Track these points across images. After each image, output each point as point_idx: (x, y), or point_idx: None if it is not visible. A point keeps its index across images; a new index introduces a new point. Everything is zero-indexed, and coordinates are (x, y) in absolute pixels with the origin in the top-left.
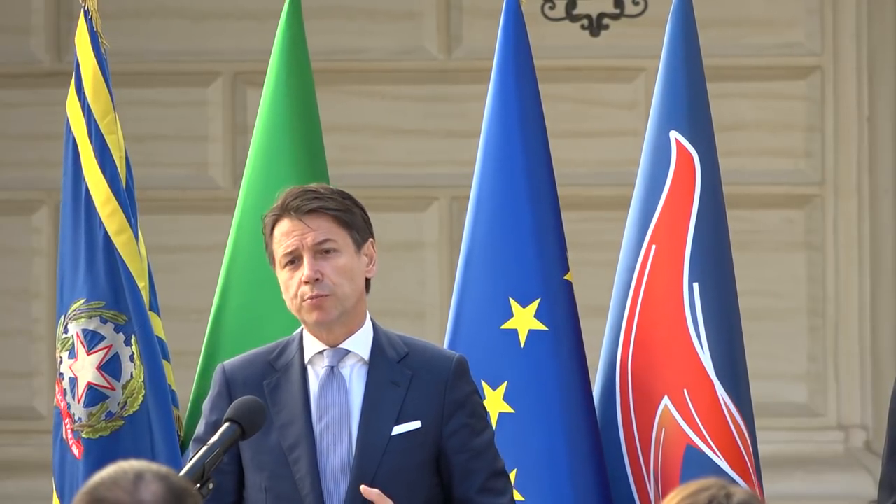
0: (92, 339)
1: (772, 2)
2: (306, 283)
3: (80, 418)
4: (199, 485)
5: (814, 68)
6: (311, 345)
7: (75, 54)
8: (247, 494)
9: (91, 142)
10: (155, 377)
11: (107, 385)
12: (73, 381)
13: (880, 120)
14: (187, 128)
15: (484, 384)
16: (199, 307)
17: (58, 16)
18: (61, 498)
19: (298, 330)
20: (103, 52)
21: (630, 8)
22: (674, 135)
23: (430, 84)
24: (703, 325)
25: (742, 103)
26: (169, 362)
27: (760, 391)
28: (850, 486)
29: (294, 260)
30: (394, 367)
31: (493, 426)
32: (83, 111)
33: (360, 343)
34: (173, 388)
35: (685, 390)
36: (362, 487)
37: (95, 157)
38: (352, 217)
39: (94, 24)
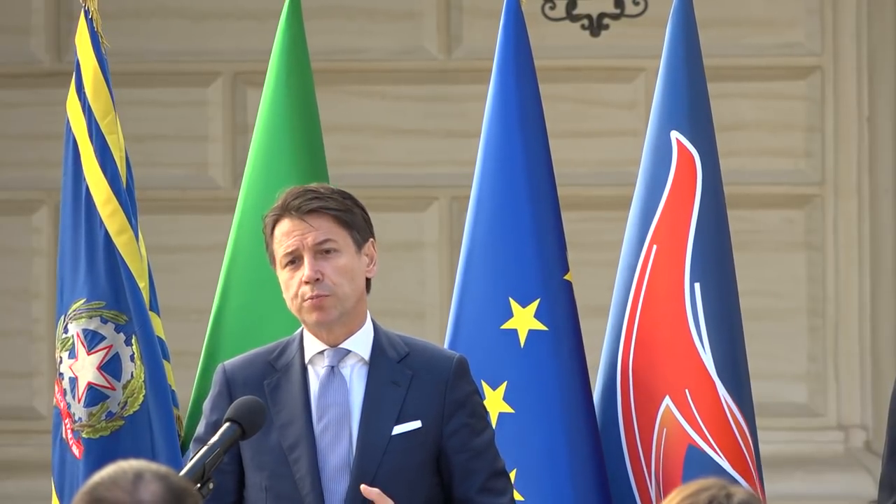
0: (92, 339)
1: (772, 2)
2: (306, 283)
3: (80, 418)
4: (199, 485)
5: (814, 68)
6: (312, 345)
7: (75, 54)
8: (247, 494)
9: (92, 142)
10: (155, 377)
11: (107, 385)
12: (74, 380)
13: (880, 120)
14: (187, 128)
15: (484, 384)
16: (199, 307)
17: (58, 16)
18: (61, 498)
19: (299, 330)
20: (104, 51)
21: (630, 8)
22: (675, 135)
23: (430, 84)
24: (704, 325)
25: (742, 103)
26: (169, 362)
27: (760, 391)
28: (850, 486)
29: (294, 260)
30: (394, 366)
31: (493, 426)
32: (83, 111)
33: (361, 343)
34: (173, 388)
35: (687, 390)
36: (362, 487)
37: (96, 156)
38: (352, 217)
39: (94, 24)
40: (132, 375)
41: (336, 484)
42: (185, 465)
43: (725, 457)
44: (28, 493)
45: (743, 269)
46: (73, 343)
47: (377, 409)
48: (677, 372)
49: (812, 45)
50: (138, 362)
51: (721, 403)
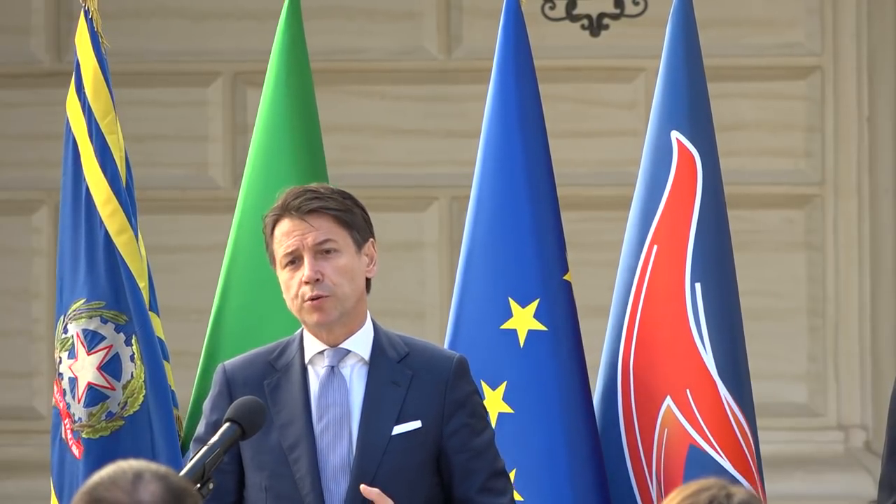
0: (92, 339)
1: (772, 2)
2: (306, 283)
3: (80, 418)
4: (199, 485)
5: (814, 68)
6: (312, 345)
7: (75, 54)
8: (247, 494)
9: (92, 142)
10: (156, 377)
11: (107, 385)
12: (73, 381)
13: (880, 120)
14: (187, 128)
15: (483, 384)
16: (199, 307)
17: (58, 16)
18: (60, 498)
19: (299, 330)
20: (104, 52)
21: (630, 8)
22: (675, 135)
23: (430, 84)
24: (705, 325)
25: (742, 103)
26: (168, 362)
27: (760, 391)
28: (850, 486)
29: (294, 260)
30: (394, 366)
31: (493, 426)
32: (83, 111)
33: (361, 343)
34: (172, 388)
35: (688, 390)
36: (362, 487)
37: (96, 156)
38: (352, 217)
39: (94, 24)
40: (132, 375)
41: (336, 484)
42: (185, 465)
43: (727, 457)
44: (28, 493)
45: (743, 269)
46: (72, 343)
47: (377, 409)
48: (678, 372)
49: (812, 45)
50: (138, 362)
51: (722, 403)
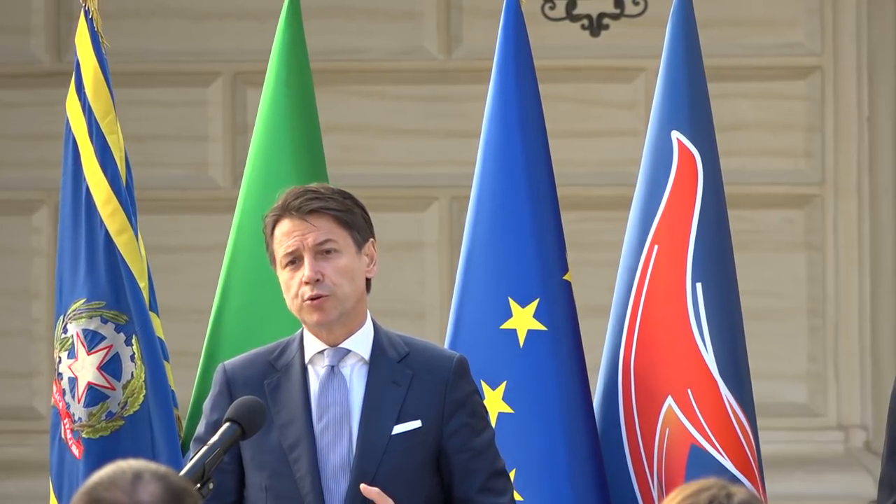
0: (92, 339)
1: (772, 2)
2: (307, 283)
3: (80, 418)
4: (199, 484)
5: (814, 68)
6: (312, 344)
7: (75, 54)
8: (247, 494)
9: (92, 141)
10: (156, 377)
11: (107, 385)
12: (73, 380)
13: (880, 120)
14: (187, 128)
15: (483, 384)
16: (199, 307)
17: (58, 16)
18: (59, 498)
19: (299, 330)
20: (104, 51)
21: (630, 8)
22: (675, 135)
23: (430, 84)
24: (706, 324)
25: (742, 103)
26: (168, 362)
27: (760, 391)
28: (850, 486)
29: (295, 260)
30: (394, 366)
31: (493, 426)
32: (83, 111)
33: (361, 343)
34: (172, 388)
35: (689, 390)
36: (362, 486)
37: (96, 156)
38: (353, 217)
39: (94, 24)
40: (132, 375)
41: (336, 483)
42: (185, 464)
43: (728, 457)
44: (28, 493)
45: (743, 269)
46: (72, 343)
47: (377, 409)
48: (679, 372)
49: (812, 45)
50: (139, 362)
51: (723, 403)
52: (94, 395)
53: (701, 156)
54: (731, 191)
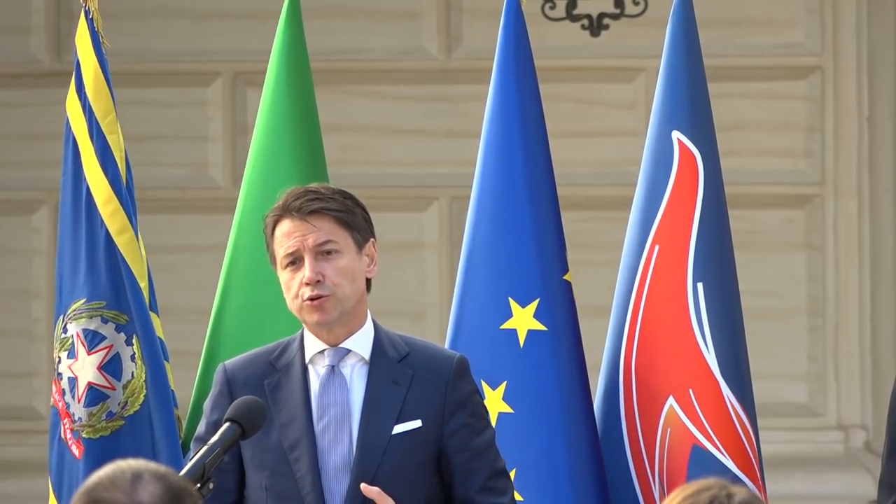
0: (93, 339)
1: (772, 2)
2: (307, 284)
3: (80, 418)
4: (199, 484)
5: (814, 68)
6: (312, 344)
7: (75, 54)
8: (247, 493)
9: (92, 141)
10: (157, 377)
11: (107, 385)
12: (73, 380)
13: (880, 120)
14: (187, 128)
15: (483, 384)
16: (199, 307)
17: (58, 16)
18: (59, 498)
19: (300, 330)
20: (104, 51)
21: (630, 8)
22: (676, 135)
23: (430, 84)
24: (707, 324)
25: (742, 103)
26: (168, 362)
27: (760, 391)
28: (850, 486)
29: (295, 261)
30: (395, 366)
31: (493, 426)
32: (84, 111)
33: (361, 342)
34: (172, 388)
35: (690, 390)
36: (362, 486)
37: (97, 156)
38: (353, 217)
39: (94, 24)
40: (133, 375)
41: (336, 483)
42: (185, 464)
43: (730, 456)
44: (28, 493)
45: (743, 269)
46: (72, 343)
47: (377, 409)
48: (681, 372)
49: (812, 45)
50: (139, 362)
51: (725, 403)
52: (95, 395)
53: (701, 156)
54: (731, 191)
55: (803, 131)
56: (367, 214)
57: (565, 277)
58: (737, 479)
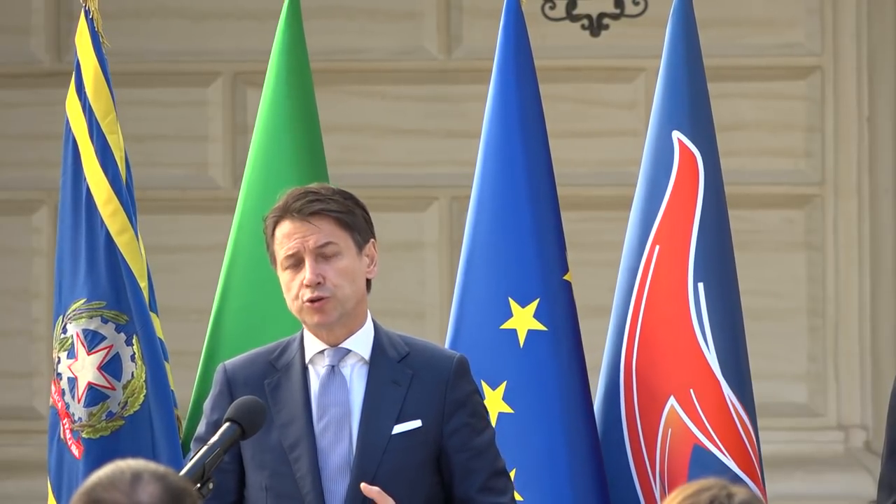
0: (92, 339)
1: (772, 2)
2: (307, 286)
3: (80, 418)
4: (199, 484)
5: (814, 68)
6: (312, 344)
7: (75, 54)
8: (248, 493)
9: (93, 142)
10: (157, 377)
11: (107, 385)
12: (73, 381)
13: (880, 120)
14: (187, 128)
15: (483, 384)
16: (199, 307)
17: (58, 16)
18: (58, 498)
19: (300, 330)
20: (104, 51)
21: (630, 8)
22: (676, 135)
23: (430, 84)
24: (708, 324)
25: (742, 103)
26: (168, 362)
27: (760, 391)
28: (850, 486)
29: (296, 262)
30: (394, 366)
31: (493, 426)
32: (84, 111)
33: (361, 343)
34: (171, 388)
35: (691, 390)
36: (362, 485)
37: (97, 156)
38: (353, 218)
39: (94, 24)
40: (133, 375)
41: (336, 483)
42: (185, 464)
43: (731, 456)
44: (28, 493)
45: (743, 269)
46: (72, 343)
47: (377, 409)
48: (682, 372)
49: (812, 45)
50: (139, 362)
51: (726, 403)
52: (95, 395)
53: (702, 156)
54: (731, 191)
55: (803, 131)
56: (368, 214)
57: (565, 277)
58: (738, 479)
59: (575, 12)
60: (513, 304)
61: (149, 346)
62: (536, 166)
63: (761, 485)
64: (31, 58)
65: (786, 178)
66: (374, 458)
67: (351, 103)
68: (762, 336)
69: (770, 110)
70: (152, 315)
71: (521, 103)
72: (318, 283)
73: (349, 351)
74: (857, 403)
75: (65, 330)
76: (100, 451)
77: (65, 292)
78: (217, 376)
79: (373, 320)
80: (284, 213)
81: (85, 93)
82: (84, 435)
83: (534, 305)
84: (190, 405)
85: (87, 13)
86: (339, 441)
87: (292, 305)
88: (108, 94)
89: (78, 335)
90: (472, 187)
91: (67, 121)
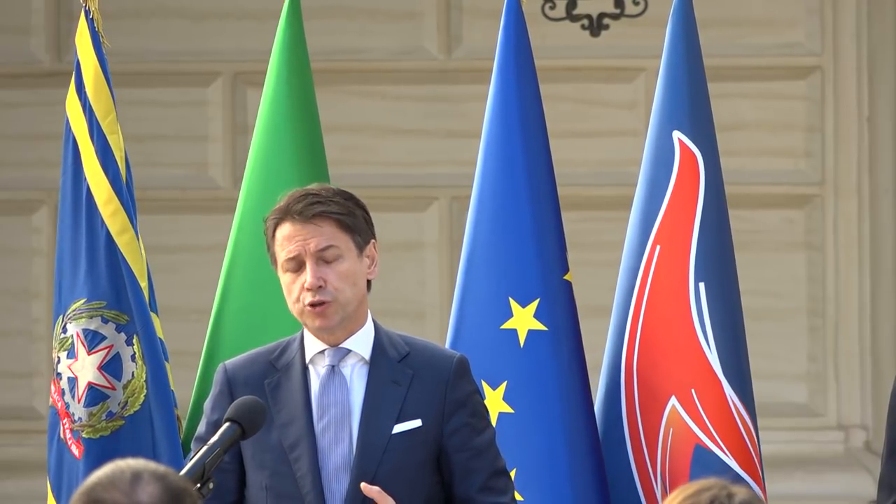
0: (93, 339)
1: (772, 2)
2: (308, 289)
3: (80, 418)
4: (199, 484)
5: (814, 68)
6: (313, 344)
7: (75, 54)
8: (248, 493)
9: (93, 141)
10: (157, 377)
11: (107, 385)
12: (73, 380)
13: (880, 120)
14: (187, 128)
15: (484, 384)
16: (199, 307)
17: (58, 16)
18: (58, 498)
19: (300, 330)
20: (104, 51)
21: (630, 8)
22: (677, 135)
23: (430, 84)
24: (709, 324)
25: (742, 103)
26: (168, 362)
27: (760, 391)
28: (850, 486)
29: (296, 265)
30: (395, 366)
31: (493, 426)
32: (84, 111)
33: (361, 343)
34: (171, 388)
35: (693, 390)
36: (362, 485)
37: (98, 156)
38: (354, 220)
39: (95, 24)
40: (133, 375)
41: (336, 483)
42: (186, 464)
43: (733, 456)
44: (28, 493)
45: (743, 269)
46: (72, 343)
47: (377, 409)
48: (683, 372)
49: (812, 45)
50: (140, 362)
51: (728, 403)
52: (95, 395)
53: (702, 155)
54: (731, 191)
55: (803, 131)
56: (368, 215)
57: (566, 277)
58: (740, 479)
59: (575, 12)
60: (513, 304)
61: (149, 346)
62: (537, 166)
63: (762, 485)
64: (31, 58)
65: (786, 178)
66: (374, 458)
67: (351, 103)
68: (762, 336)
69: (770, 110)
70: (152, 315)
71: (522, 103)
72: (320, 287)
73: (349, 351)
74: (857, 403)
75: (65, 330)
76: (100, 451)
77: (65, 292)
78: (217, 376)
79: (373, 320)
80: (285, 214)
81: (85, 93)
82: (84, 435)
83: (534, 305)
84: (190, 405)
85: (87, 13)
86: (339, 441)
87: (293, 308)
88: (109, 94)
89: (78, 335)
90: (472, 187)
91: (67, 121)
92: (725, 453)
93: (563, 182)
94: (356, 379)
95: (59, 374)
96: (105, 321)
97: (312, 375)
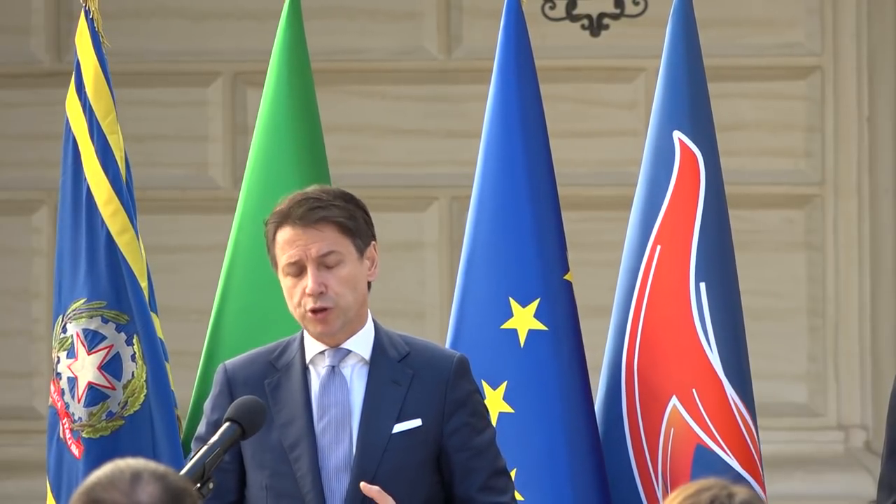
0: (93, 339)
1: (772, 2)
2: (309, 295)
3: (80, 418)
4: (199, 484)
5: (814, 68)
6: (313, 345)
7: (75, 54)
8: (248, 493)
9: (93, 141)
10: (158, 377)
11: (107, 385)
12: (73, 380)
13: (880, 120)
14: (187, 128)
15: (484, 384)
16: (199, 307)
17: (58, 16)
18: (57, 498)
19: (300, 330)
20: (104, 51)
21: (630, 8)
22: (677, 135)
23: (430, 84)
24: (710, 324)
25: (742, 103)
26: (168, 362)
27: (760, 391)
28: (850, 486)
29: (297, 270)
30: (395, 366)
31: (494, 426)
32: (84, 111)
33: (362, 343)
34: (171, 388)
35: (694, 390)
36: (362, 485)
37: (98, 156)
38: (355, 223)
39: (95, 24)
40: (133, 375)
41: (336, 483)
42: (186, 464)
43: (734, 456)
44: (28, 493)
45: (743, 269)
46: (72, 343)
47: (377, 408)
48: (684, 372)
49: (812, 45)
50: (140, 362)
51: (729, 403)
52: (95, 395)
53: (702, 155)
54: (731, 191)
55: (803, 131)
56: (368, 216)
57: (566, 277)
58: (741, 479)
59: (575, 12)
60: (513, 304)
61: (149, 346)
62: (537, 166)
63: (762, 485)
64: (31, 58)
65: (786, 178)
66: (374, 458)
67: (351, 103)
68: (762, 336)
69: (770, 110)
70: (152, 315)
71: (522, 103)
72: (321, 293)
73: (349, 351)
74: (857, 403)
75: (65, 330)
76: (100, 451)
77: (65, 292)
78: (217, 376)
79: (373, 320)
80: (285, 219)
81: (85, 93)
82: (84, 435)
83: (534, 305)
84: (190, 405)
85: (87, 13)
86: (339, 440)
87: (294, 312)
88: (109, 94)
89: (78, 335)
90: (472, 187)
91: (67, 121)
92: (727, 453)
93: (563, 182)
94: (356, 379)
95: (58, 374)
96: (105, 321)
97: (312, 376)
